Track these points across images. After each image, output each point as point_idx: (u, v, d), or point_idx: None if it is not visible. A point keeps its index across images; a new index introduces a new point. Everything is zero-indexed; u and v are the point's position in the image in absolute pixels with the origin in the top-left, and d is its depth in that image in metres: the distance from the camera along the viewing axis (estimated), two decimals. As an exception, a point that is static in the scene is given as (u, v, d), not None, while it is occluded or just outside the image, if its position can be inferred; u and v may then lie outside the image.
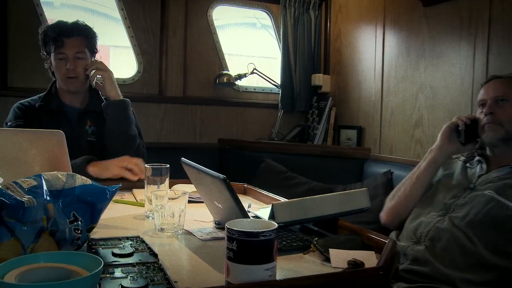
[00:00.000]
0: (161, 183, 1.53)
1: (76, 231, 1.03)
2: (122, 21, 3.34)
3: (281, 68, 3.59)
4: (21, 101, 2.23)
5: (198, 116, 3.50)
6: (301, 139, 3.56)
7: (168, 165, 1.59)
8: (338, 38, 3.56)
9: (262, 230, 0.84)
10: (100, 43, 2.35)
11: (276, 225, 0.87)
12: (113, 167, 1.97)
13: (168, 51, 3.39)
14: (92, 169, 1.98)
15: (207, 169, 1.24)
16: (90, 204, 1.08)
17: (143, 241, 1.13)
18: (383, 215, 1.99)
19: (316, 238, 1.16)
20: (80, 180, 1.09)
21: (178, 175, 2.25)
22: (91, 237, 1.13)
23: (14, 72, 3.14)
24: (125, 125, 2.20)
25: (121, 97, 2.24)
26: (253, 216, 1.43)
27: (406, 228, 1.84)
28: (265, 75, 3.54)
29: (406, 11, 2.91)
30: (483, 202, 1.67)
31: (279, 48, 3.64)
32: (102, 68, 2.23)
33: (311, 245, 1.14)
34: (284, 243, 1.18)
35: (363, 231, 1.24)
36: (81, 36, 2.21)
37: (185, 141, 3.46)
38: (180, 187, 1.91)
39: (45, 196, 0.99)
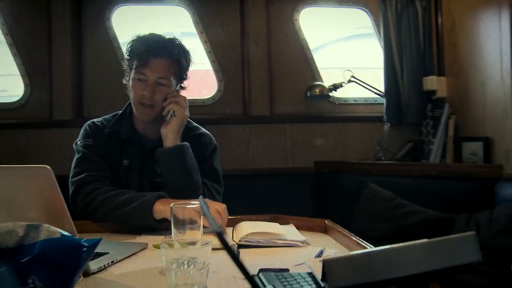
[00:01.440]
0: (191, 227, 1.26)
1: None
2: (198, 36, 3.20)
3: (384, 73, 3.18)
4: (93, 120, 2.03)
5: (289, 136, 3.21)
6: (414, 157, 3.11)
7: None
8: (453, 30, 3.08)
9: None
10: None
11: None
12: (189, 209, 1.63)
13: (250, 64, 3.17)
14: (159, 207, 1.69)
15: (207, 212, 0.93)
16: (57, 266, 0.84)
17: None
18: None
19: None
20: (46, 232, 0.86)
21: (263, 208, 2.03)
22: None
23: (90, 102, 3.15)
24: (180, 176, 1.89)
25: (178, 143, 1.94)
26: (308, 273, 1.10)
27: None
28: (365, 83, 3.17)
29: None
30: None
31: (381, 46, 3.24)
32: (180, 105, 1.94)
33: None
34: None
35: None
36: (170, 59, 1.92)
37: (275, 166, 3.19)
38: (245, 226, 1.64)
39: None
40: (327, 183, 3.04)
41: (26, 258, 0.83)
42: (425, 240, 0.97)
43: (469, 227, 2.23)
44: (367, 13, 3.34)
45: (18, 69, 3.12)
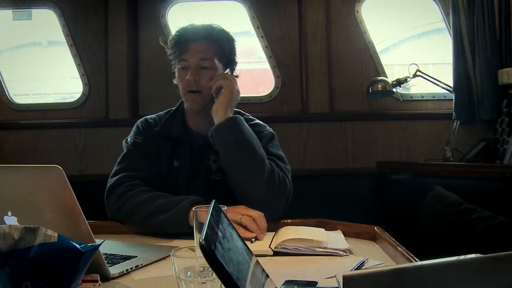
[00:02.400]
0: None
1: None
2: (254, 31, 3.14)
3: (453, 66, 2.97)
4: (147, 117, 1.98)
5: (350, 135, 3.08)
6: (487, 158, 2.89)
7: (225, 207, 1.21)
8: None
9: None
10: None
11: None
12: None
13: (308, 59, 3.07)
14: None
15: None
16: (53, 271, 0.80)
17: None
18: None
19: None
20: (43, 236, 0.82)
21: (318, 212, 1.93)
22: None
23: (146, 101, 3.19)
24: (239, 150, 1.75)
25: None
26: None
27: None
28: (432, 77, 2.98)
29: None
30: None
31: (450, 36, 3.04)
32: (229, 80, 1.85)
33: None
34: None
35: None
36: (209, 41, 1.86)
37: (334, 166, 3.07)
38: (286, 231, 1.55)
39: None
40: (390, 185, 2.89)
41: (22, 262, 0.79)
42: (477, 255, 0.84)
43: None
44: (435, 1, 3.14)
45: (77, 69, 3.20)
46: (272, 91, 3.14)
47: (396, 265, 1.07)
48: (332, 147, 3.08)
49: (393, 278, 0.81)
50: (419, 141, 3.09)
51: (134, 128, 1.97)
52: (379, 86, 2.98)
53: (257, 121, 2.02)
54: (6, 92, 3.26)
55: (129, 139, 1.94)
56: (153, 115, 2.01)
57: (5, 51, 3.52)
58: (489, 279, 0.80)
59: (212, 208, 0.86)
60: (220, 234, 0.77)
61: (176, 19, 3.19)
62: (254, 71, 3.36)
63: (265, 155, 1.78)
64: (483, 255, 0.82)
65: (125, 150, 1.91)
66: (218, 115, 1.80)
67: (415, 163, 2.98)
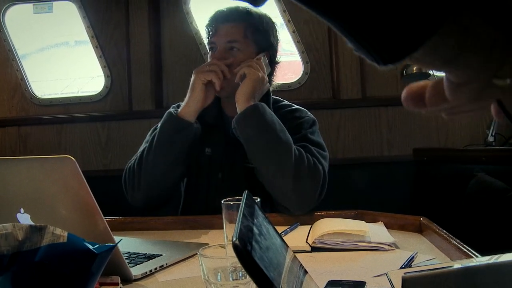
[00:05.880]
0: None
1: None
2: (280, 15, 3.01)
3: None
4: (180, 103, 1.82)
5: (384, 121, 2.92)
6: (535, 141, 2.72)
7: (258, 199, 1.08)
8: None
9: None
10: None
11: None
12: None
13: (338, 42, 2.91)
14: (183, 110, 1.73)
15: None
16: (62, 276, 0.69)
17: None
18: None
19: None
20: (51, 235, 0.71)
21: (354, 203, 1.76)
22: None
23: (170, 91, 3.09)
24: (261, 140, 1.62)
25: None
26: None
27: None
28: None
29: None
30: None
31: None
32: (254, 68, 1.71)
33: None
34: None
35: None
36: (240, 22, 1.76)
37: (369, 154, 2.92)
38: (324, 224, 1.42)
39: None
40: (428, 173, 2.73)
41: (27, 266, 0.69)
42: None
43: None
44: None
45: (99, 61, 3.12)
46: (300, 77, 3.01)
47: (459, 262, 0.93)
48: (365, 134, 2.93)
49: (462, 278, 0.68)
50: (458, 125, 2.91)
51: (165, 114, 1.79)
52: (414, 69, 2.82)
53: (297, 107, 1.90)
54: (29, 87, 3.20)
55: (159, 124, 1.80)
56: None
57: (31, 53, 3.47)
58: None
59: (245, 200, 0.74)
60: (256, 230, 0.64)
61: (200, 5, 3.08)
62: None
63: (291, 142, 1.64)
64: None
65: (149, 136, 1.81)
66: (239, 105, 1.69)
67: (455, 149, 2.81)
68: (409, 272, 0.70)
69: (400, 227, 1.49)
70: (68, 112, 3.14)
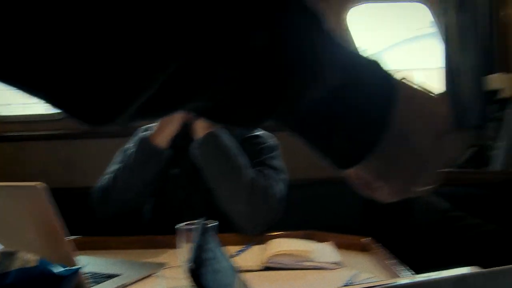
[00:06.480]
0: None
1: None
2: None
3: (442, 72, 2.98)
4: (150, 125, 1.84)
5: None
6: (477, 164, 2.89)
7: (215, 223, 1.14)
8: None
9: None
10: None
11: None
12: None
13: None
14: (154, 135, 1.76)
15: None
16: (32, 302, 0.77)
17: None
18: None
19: None
20: (21, 260, 0.79)
21: (306, 223, 1.86)
22: None
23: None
24: (216, 162, 1.70)
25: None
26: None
27: None
28: (415, 83, 2.96)
29: None
30: None
31: (439, 39, 3.00)
32: None
33: None
34: None
35: None
36: None
37: (321, 174, 3.02)
38: (276, 244, 1.52)
39: None
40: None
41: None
42: (475, 270, 0.82)
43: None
44: (426, 5, 3.11)
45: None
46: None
47: (387, 281, 1.04)
48: (311, 154, 3.03)
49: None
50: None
51: (138, 140, 1.84)
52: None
53: (260, 132, 1.95)
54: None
55: (125, 147, 1.88)
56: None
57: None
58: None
59: (201, 226, 0.83)
60: (208, 255, 0.73)
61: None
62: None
63: (245, 167, 1.71)
64: (484, 270, 0.81)
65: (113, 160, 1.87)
66: (196, 132, 1.75)
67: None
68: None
69: (348, 246, 1.59)
70: (29, 130, 3.14)
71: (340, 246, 1.59)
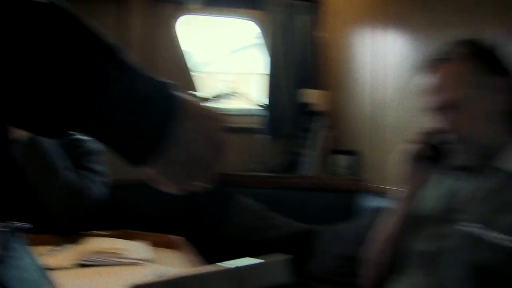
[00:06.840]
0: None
1: None
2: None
3: (264, 84, 3.24)
4: None
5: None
6: (289, 169, 3.18)
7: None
8: (331, 45, 3.20)
9: None
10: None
11: None
12: None
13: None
14: None
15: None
16: None
17: None
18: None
19: None
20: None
21: (125, 222, 2.00)
22: None
23: None
24: (33, 167, 1.75)
25: None
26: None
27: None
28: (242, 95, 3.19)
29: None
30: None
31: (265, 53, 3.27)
32: None
33: None
34: None
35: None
36: None
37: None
38: (91, 243, 1.57)
39: None
40: (197, 195, 2.99)
41: None
42: (230, 266, 0.98)
43: (329, 238, 2.34)
44: (257, 24, 3.34)
45: None
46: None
47: (187, 272, 1.16)
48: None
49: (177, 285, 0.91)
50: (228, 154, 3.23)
51: None
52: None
53: (78, 136, 1.97)
54: None
55: None
56: None
57: None
58: (241, 284, 0.96)
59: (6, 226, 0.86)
60: (10, 253, 0.77)
61: None
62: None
63: (61, 170, 1.77)
64: (238, 266, 0.97)
65: None
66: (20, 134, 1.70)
67: (221, 174, 3.12)
68: (140, 283, 0.90)
69: (165, 245, 1.71)
70: None
71: (155, 244, 1.69)
